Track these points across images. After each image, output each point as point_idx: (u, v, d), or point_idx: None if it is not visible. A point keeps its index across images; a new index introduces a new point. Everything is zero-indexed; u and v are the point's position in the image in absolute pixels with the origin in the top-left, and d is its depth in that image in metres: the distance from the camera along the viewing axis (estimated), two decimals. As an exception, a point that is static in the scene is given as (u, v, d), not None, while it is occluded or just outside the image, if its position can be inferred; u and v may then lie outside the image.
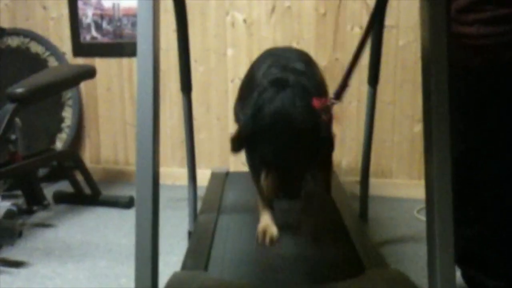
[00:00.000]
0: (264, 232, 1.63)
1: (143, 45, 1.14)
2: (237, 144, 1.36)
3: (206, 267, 1.51)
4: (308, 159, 1.28)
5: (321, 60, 2.80)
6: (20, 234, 2.23)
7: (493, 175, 1.60)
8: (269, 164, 1.29)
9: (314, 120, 1.26)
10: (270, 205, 1.67)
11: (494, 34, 1.53)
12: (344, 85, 1.42)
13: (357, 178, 2.37)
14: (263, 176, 1.49)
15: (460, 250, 1.11)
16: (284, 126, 1.23)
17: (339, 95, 1.41)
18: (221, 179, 2.47)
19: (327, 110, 1.33)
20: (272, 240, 1.61)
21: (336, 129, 1.53)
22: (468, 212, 1.63)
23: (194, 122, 2.27)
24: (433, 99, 1.14)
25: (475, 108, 1.59)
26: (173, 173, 3.12)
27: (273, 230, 1.64)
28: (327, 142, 1.32)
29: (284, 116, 1.24)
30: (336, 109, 1.40)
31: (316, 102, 1.30)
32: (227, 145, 3.08)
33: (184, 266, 1.53)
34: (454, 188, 1.11)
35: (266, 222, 1.66)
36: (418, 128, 2.79)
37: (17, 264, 2.15)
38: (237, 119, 1.71)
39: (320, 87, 1.45)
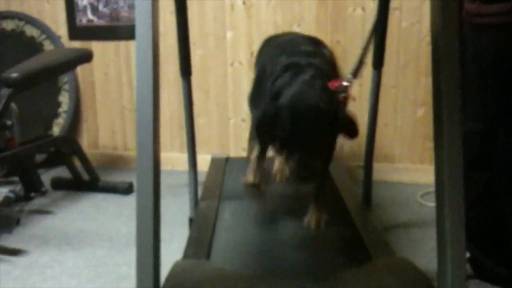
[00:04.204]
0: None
1: (142, 29, 1.10)
2: (258, 129, 1.33)
3: (208, 256, 1.48)
4: (326, 141, 1.27)
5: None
6: (18, 222, 2.21)
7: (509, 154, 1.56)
8: (288, 147, 1.26)
9: (332, 101, 1.25)
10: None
11: (492, 13, 1.49)
12: (360, 63, 1.43)
13: (359, 162, 2.34)
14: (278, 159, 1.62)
15: (470, 232, 1.09)
16: (304, 109, 1.21)
17: (355, 73, 1.41)
18: (221, 164, 2.44)
19: (344, 89, 1.31)
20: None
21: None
22: (482, 194, 1.60)
23: (193, 107, 2.22)
24: (444, 82, 1.10)
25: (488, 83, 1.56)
26: (172, 158, 3.08)
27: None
28: (348, 124, 1.30)
29: (304, 98, 1.23)
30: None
31: (332, 83, 1.28)
32: (227, 130, 3.07)
33: (186, 255, 1.50)
34: (469, 170, 1.08)
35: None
36: (421, 112, 2.75)
37: (16, 252, 2.12)
38: (252, 111, 1.72)
39: (332, 67, 1.42)
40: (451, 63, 1.08)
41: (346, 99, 1.37)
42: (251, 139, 1.96)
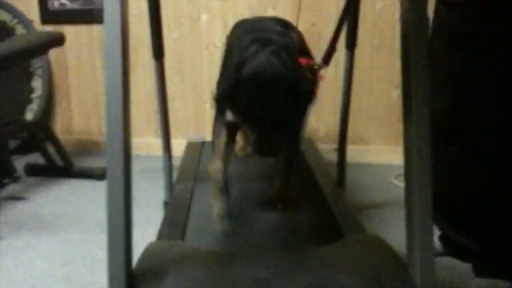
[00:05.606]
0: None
1: (110, 11, 1.08)
2: (220, 102, 1.29)
3: (182, 237, 1.49)
4: (291, 112, 1.22)
5: (298, 25, 2.74)
6: (-10, 208, 2.18)
7: (480, 127, 1.55)
8: (250, 118, 1.22)
9: (297, 73, 1.22)
10: (224, 191, 1.52)
11: None
12: (331, 49, 1.41)
13: (334, 145, 2.35)
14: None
15: (440, 208, 1.10)
16: (267, 78, 1.18)
17: (327, 59, 1.40)
18: (197, 148, 2.44)
19: (313, 71, 1.29)
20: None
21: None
22: (451, 169, 1.61)
23: (168, 90, 2.20)
24: (412, 61, 1.12)
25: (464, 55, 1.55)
26: (148, 143, 3.07)
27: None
28: (307, 95, 1.26)
29: (268, 68, 1.19)
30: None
31: (302, 60, 1.26)
32: (203, 114, 3.06)
33: (160, 236, 1.50)
34: (438, 145, 1.09)
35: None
36: (396, 93, 2.78)
37: (-11, 238, 2.11)
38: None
39: (302, 48, 1.41)
40: (420, 44, 1.10)
41: (316, 79, 1.37)
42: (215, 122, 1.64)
